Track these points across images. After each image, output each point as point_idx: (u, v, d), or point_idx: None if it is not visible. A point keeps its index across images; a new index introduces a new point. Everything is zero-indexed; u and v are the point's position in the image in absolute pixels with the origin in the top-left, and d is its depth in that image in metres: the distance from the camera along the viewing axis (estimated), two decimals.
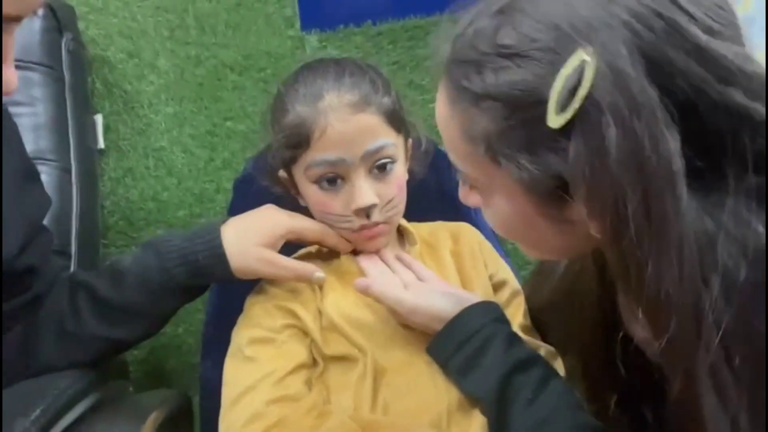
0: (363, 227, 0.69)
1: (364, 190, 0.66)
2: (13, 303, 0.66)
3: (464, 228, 0.79)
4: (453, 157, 0.52)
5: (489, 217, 0.54)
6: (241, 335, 0.68)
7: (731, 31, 0.43)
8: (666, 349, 0.42)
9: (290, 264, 0.69)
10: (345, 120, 0.65)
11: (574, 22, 0.41)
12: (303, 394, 0.63)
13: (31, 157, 0.73)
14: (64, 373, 0.66)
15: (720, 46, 0.41)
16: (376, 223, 0.69)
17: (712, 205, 0.41)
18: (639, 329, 0.46)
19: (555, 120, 0.41)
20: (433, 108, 0.51)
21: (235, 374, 0.65)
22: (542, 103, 0.41)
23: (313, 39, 1.19)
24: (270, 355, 0.65)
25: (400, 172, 0.70)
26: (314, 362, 0.67)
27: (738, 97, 0.41)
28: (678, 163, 0.40)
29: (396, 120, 0.69)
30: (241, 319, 0.70)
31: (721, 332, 0.40)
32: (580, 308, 0.60)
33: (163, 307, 0.70)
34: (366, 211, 0.68)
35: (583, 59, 0.40)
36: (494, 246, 0.80)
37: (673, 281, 0.40)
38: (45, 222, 0.73)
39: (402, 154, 0.71)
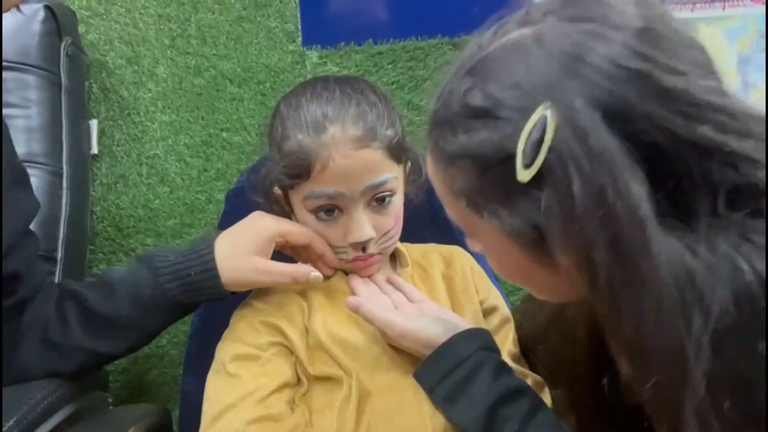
0: (357, 258, 0.68)
1: (362, 225, 0.65)
2: None
3: (457, 252, 0.79)
4: (447, 210, 0.53)
5: (493, 265, 0.54)
6: (225, 351, 0.67)
7: (699, 68, 0.43)
8: (652, 393, 0.41)
9: (285, 269, 0.68)
10: (348, 155, 0.63)
11: (533, 81, 0.43)
12: (285, 415, 0.62)
13: (21, 161, 0.72)
14: (40, 383, 0.64)
15: (684, 84, 0.41)
16: (371, 255, 0.68)
17: (690, 244, 0.41)
18: (625, 367, 0.45)
19: (524, 174, 0.42)
20: None
21: (216, 391, 0.64)
22: (511, 159, 0.43)
23: (313, 55, 1.19)
24: (253, 373, 0.63)
25: (398, 203, 0.69)
26: (298, 381, 0.66)
27: (706, 131, 0.41)
28: (645, 207, 0.40)
29: (398, 151, 0.67)
30: (226, 334, 0.69)
31: (707, 378, 0.39)
32: (571, 340, 0.60)
33: (152, 322, 0.69)
34: (362, 245, 0.67)
35: (542, 115, 0.41)
36: (486, 271, 0.79)
37: (652, 325, 0.40)
38: (33, 226, 0.72)
39: (401, 184, 0.70)
